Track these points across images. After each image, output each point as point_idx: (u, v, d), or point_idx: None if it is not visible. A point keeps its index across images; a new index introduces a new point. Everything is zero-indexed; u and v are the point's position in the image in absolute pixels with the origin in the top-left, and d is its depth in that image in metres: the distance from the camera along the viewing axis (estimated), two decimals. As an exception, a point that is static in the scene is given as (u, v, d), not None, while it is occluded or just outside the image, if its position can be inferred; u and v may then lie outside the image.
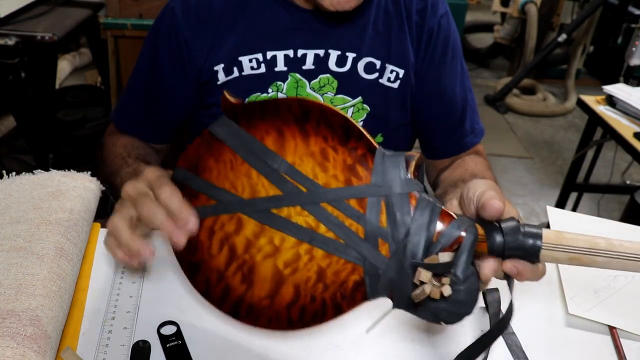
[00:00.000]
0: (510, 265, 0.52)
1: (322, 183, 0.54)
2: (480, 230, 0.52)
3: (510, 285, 0.54)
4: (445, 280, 0.50)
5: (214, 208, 0.57)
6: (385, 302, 0.53)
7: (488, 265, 0.51)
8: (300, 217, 0.54)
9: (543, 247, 0.51)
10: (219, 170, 0.57)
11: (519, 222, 0.52)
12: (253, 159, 0.56)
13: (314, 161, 0.55)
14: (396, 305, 0.53)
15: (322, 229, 0.54)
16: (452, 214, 0.52)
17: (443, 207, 0.52)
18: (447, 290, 0.50)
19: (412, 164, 0.53)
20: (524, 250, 0.51)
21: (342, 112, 0.54)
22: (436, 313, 0.51)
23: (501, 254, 0.52)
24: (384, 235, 0.52)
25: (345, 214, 0.53)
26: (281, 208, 0.55)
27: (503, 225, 0.52)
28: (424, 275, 0.50)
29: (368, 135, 0.53)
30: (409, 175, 0.53)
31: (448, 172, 0.90)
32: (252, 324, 0.55)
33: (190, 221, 0.53)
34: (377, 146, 0.53)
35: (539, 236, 0.51)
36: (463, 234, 0.51)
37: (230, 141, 0.57)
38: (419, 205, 0.52)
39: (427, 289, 0.50)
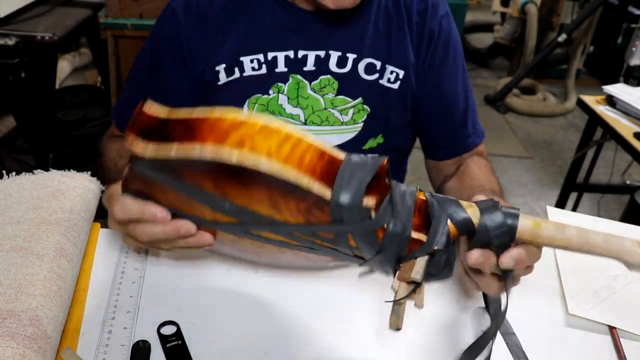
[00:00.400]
0: (507, 257, 0.52)
1: (281, 219, 0.50)
2: (454, 231, 0.53)
3: (506, 282, 0.54)
4: (419, 289, 0.53)
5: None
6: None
7: (471, 254, 0.53)
8: (272, 235, 0.53)
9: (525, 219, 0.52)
10: (170, 202, 0.53)
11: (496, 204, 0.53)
12: (200, 200, 0.51)
13: (264, 205, 0.49)
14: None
15: (296, 243, 0.54)
16: (420, 237, 0.52)
17: (412, 236, 0.51)
18: (417, 276, 0.51)
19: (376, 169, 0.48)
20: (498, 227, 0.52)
21: (272, 167, 0.45)
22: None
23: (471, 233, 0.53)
24: (357, 249, 0.52)
25: (315, 238, 0.52)
26: (251, 230, 0.54)
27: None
28: (401, 289, 0.52)
29: (316, 189, 0.46)
30: (372, 213, 0.48)
31: (455, 183, 0.89)
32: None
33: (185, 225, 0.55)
34: (329, 196, 0.46)
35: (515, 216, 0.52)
36: (436, 247, 0.52)
37: (165, 183, 0.51)
38: (386, 238, 0.51)
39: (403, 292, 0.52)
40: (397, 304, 0.54)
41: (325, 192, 0.46)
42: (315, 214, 0.48)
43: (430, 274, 0.53)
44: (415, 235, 0.51)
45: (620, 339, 0.64)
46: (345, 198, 0.45)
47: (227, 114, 0.47)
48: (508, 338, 0.63)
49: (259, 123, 0.46)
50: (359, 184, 0.46)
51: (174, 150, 0.47)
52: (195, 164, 0.47)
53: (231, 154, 0.45)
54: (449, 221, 0.52)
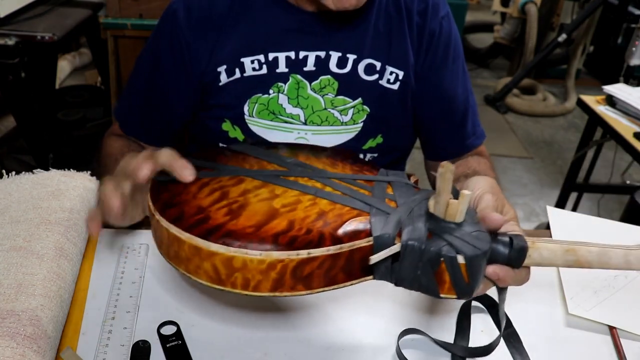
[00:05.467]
0: (491, 270, 0.52)
1: (331, 172, 0.60)
2: None
3: (500, 295, 0.55)
4: (462, 198, 0.49)
5: (217, 172, 0.57)
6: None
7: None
8: (308, 182, 0.56)
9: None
10: (231, 161, 0.61)
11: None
12: (265, 156, 0.62)
13: (323, 164, 0.62)
14: (405, 244, 0.48)
15: (329, 189, 0.55)
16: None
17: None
18: (463, 208, 0.49)
19: (412, 180, 0.60)
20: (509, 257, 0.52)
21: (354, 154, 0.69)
22: (450, 244, 0.48)
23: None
24: (391, 197, 0.55)
25: (352, 185, 0.56)
26: (289, 176, 0.57)
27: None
28: (447, 171, 0.47)
29: (374, 166, 0.63)
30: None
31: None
32: (224, 245, 0.46)
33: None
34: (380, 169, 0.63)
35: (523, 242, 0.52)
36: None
37: (246, 150, 0.64)
38: (422, 191, 0.56)
39: (446, 197, 0.49)
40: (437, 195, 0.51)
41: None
42: (365, 173, 0.60)
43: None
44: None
45: (620, 339, 0.64)
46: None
47: None
48: (508, 337, 0.63)
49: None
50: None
51: None
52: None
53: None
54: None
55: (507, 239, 0.52)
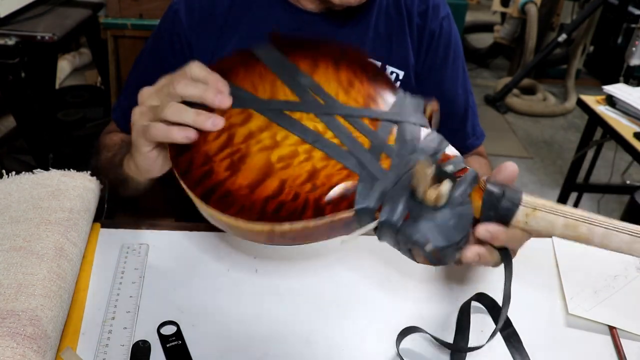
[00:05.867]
0: (482, 230, 0.50)
1: (341, 102, 0.57)
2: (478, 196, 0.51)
3: (506, 269, 0.53)
4: (444, 184, 0.50)
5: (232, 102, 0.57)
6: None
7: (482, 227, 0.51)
8: (311, 122, 0.56)
9: (527, 205, 0.50)
10: (245, 76, 0.59)
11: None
12: (281, 71, 0.59)
13: (339, 85, 0.59)
14: (381, 223, 0.50)
15: (329, 134, 0.55)
16: (457, 153, 0.55)
17: (446, 151, 0.54)
18: (443, 194, 0.49)
19: (428, 109, 0.58)
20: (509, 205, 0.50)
21: (376, 64, 0.61)
22: (422, 232, 0.49)
23: (496, 207, 0.50)
24: (389, 150, 0.53)
25: (355, 127, 0.55)
26: (294, 112, 0.56)
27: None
28: (423, 169, 0.49)
29: (394, 84, 0.60)
30: (425, 118, 0.57)
31: None
32: (221, 210, 0.51)
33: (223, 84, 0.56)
34: (399, 89, 0.59)
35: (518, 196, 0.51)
36: (468, 167, 0.52)
37: (266, 59, 0.61)
38: (429, 136, 0.55)
39: (426, 180, 0.49)
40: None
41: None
42: (378, 102, 0.58)
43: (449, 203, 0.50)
44: (449, 150, 0.55)
45: (620, 339, 0.64)
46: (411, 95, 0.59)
47: None
48: (509, 337, 0.63)
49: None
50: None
51: None
52: (315, 44, 0.63)
53: None
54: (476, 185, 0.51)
55: (500, 191, 0.50)
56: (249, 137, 0.55)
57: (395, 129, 0.55)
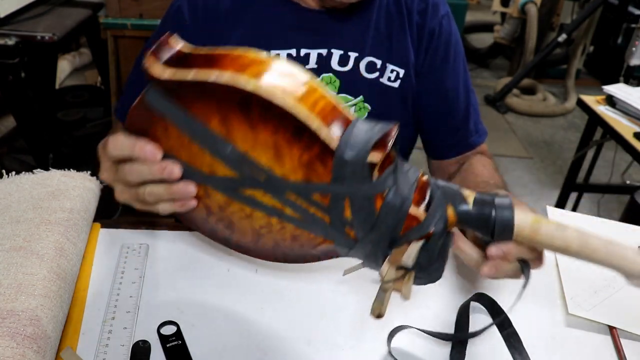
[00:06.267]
0: (494, 250, 0.51)
1: (279, 174, 0.49)
2: (452, 218, 0.51)
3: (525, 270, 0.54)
4: (408, 276, 0.52)
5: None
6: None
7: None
8: (266, 198, 0.52)
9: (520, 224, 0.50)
10: (169, 144, 0.52)
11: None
12: (202, 142, 0.50)
13: (266, 153, 0.49)
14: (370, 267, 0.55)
15: (288, 211, 0.52)
16: (418, 215, 0.50)
17: (410, 211, 0.49)
18: (407, 290, 0.52)
19: (388, 143, 0.48)
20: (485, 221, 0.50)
21: (286, 102, 0.45)
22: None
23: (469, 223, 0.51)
24: (350, 224, 0.51)
25: (308, 204, 0.51)
26: (244, 189, 0.52)
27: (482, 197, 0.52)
28: (389, 273, 0.51)
29: (324, 134, 0.45)
30: (375, 174, 0.48)
31: (459, 179, 0.90)
32: (244, 253, 0.59)
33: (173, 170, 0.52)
34: (335, 146, 0.46)
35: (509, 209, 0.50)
36: (432, 230, 0.50)
37: (170, 116, 0.50)
38: (384, 208, 0.49)
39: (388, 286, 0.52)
40: (383, 289, 0.53)
41: (332, 140, 0.45)
42: (317, 169, 0.47)
43: (421, 267, 0.51)
44: (413, 211, 0.49)
45: (620, 339, 0.64)
46: (350, 153, 0.45)
47: (249, 52, 0.48)
48: (509, 337, 0.63)
49: (281, 64, 0.47)
50: (366, 141, 0.45)
51: (191, 74, 0.47)
52: (208, 92, 0.47)
53: (248, 82, 0.45)
54: (449, 209, 0.50)
55: (490, 216, 0.51)
56: (222, 209, 0.54)
57: (347, 201, 0.49)
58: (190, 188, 0.53)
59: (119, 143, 0.53)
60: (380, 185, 0.48)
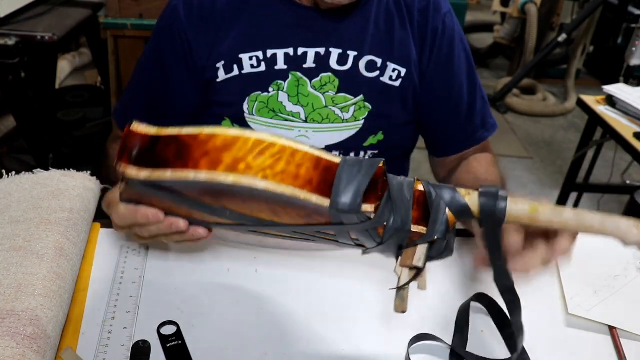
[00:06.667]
0: (511, 241, 0.55)
1: (281, 222, 0.52)
2: (452, 219, 0.54)
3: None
4: (421, 275, 0.56)
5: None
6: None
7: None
8: (272, 231, 0.57)
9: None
10: (167, 206, 0.55)
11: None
12: (199, 209, 0.53)
13: (265, 213, 0.51)
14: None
15: (298, 235, 0.57)
16: (420, 230, 0.53)
17: (412, 229, 0.53)
18: (423, 282, 0.58)
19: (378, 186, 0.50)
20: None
21: (269, 186, 0.46)
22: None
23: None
24: (357, 240, 0.55)
25: (315, 234, 0.55)
26: (261, 229, 0.56)
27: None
28: (403, 276, 0.55)
29: (314, 200, 0.46)
30: (371, 213, 0.48)
31: (458, 175, 0.91)
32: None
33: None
34: (327, 205, 0.46)
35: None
36: (436, 237, 0.54)
37: (161, 197, 0.52)
38: (386, 234, 0.53)
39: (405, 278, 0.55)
40: (401, 289, 0.55)
41: (324, 203, 0.46)
42: (315, 218, 0.49)
43: (431, 257, 0.55)
44: (415, 228, 0.53)
45: (620, 339, 0.64)
46: (343, 205, 0.46)
47: (217, 131, 0.48)
48: (509, 337, 0.63)
49: (251, 139, 0.47)
50: (357, 190, 0.46)
51: (168, 174, 0.47)
52: (191, 184, 0.48)
53: (227, 177, 0.46)
54: (447, 210, 0.53)
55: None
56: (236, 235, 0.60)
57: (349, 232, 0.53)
58: (201, 230, 0.58)
59: (121, 215, 0.58)
60: (379, 220, 0.51)
